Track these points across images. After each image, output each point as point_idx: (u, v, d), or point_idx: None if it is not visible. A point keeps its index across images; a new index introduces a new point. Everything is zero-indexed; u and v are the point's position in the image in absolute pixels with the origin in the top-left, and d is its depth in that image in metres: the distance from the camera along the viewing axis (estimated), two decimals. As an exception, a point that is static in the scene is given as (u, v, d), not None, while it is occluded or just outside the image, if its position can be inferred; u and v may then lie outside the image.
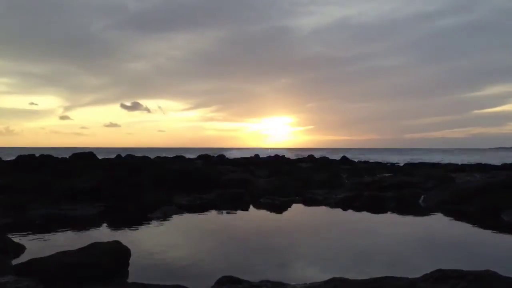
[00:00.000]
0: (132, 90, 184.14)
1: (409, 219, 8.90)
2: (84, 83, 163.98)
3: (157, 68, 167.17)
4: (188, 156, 28.75)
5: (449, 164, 24.84)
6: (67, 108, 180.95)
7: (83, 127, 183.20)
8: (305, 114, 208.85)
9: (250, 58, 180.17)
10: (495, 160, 36.32)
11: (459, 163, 27.33)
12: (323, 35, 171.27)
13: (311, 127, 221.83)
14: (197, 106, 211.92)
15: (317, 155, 33.39)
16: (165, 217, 8.47)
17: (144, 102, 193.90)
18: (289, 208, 10.01)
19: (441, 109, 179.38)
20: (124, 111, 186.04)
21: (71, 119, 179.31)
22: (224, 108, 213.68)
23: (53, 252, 4.48)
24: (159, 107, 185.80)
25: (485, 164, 22.68)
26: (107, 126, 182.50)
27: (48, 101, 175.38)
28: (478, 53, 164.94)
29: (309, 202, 10.86)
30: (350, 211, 9.62)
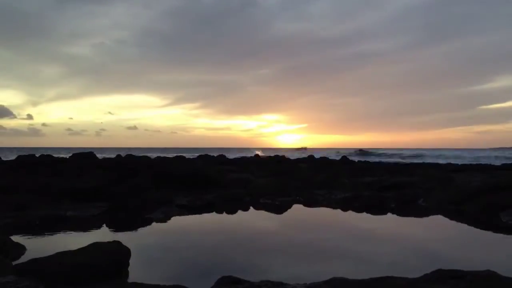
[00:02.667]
0: (94, 82, 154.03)
1: (409, 219, 8.91)
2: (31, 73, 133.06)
3: (107, 53, 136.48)
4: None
5: (449, 164, 24.83)
6: (34, 104, 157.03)
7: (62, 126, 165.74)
8: (295, 111, 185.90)
9: (215, 40, 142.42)
10: (496, 159, 36.33)
11: (459, 163, 27.33)
12: (296, 7, 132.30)
13: (305, 125, 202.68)
14: (176, 102, 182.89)
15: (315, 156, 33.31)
16: (165, 217, 8.47)
17: (114, 97, 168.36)
18: (289, 209, 10.01)
19: (442, 104, 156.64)
20: (99, 108, 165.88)
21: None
22: (208, 105, 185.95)
23: (53, 252, 4.48)
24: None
25: (485, 164, 22.67)
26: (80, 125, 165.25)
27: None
28: (486, 33, 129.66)
29: (309, 202, 10.86)
30: (350, 211, 9.62)
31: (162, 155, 28.33)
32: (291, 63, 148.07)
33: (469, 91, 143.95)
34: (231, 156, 30.84)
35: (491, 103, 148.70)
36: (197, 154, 28.73)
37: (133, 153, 20.31)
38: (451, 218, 8.61)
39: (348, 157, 25.50)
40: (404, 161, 35.29)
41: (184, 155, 24.84)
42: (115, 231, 7.36)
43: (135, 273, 4.64)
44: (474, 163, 26.75)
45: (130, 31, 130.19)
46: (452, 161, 32.07)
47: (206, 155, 27.28)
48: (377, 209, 9.77)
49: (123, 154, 19.64)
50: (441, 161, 31.64)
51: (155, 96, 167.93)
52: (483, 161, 32.62)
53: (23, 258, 5.08)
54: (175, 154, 25.39)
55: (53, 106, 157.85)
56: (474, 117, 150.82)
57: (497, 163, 26.76)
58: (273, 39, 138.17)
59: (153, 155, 26.46)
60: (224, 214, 9.26)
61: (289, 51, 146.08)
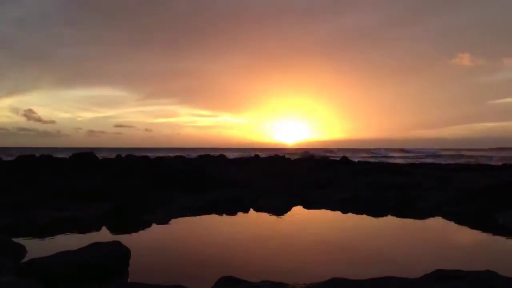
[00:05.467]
0: (46, 73, 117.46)
1: (408, 219, 8.90)
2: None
3: (40, 34, 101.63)
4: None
5: (449, 164, 24.82)
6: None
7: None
8: (281, 107, 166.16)
9: (168, 15, 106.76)
10: (497, 159, 36.31)
11: (460, 163, 27.32)
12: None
13: (293, 124, 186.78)
14: (148, 96, 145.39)
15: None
16: (165, 217, 8.46)
17: (75, 91, 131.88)
18: (288, 209, 10.01)
19: (446, 98, 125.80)
20: (72, 103, 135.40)
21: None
22: (187, 100, 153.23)
23: (53, 253, 4.49)
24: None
25: (486, 164, 22.66)
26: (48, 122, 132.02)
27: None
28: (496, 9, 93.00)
29: (309, 202, 10.85)
30: (349, 212, 9.62)
31: (146, 154, 28.04)
32: (264, 44, 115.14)
33: (477, 82, 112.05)
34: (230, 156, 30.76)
35: (502, 97, 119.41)
36: (184, 153, 28.40)
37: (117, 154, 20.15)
38: (450, 219, 8.60)
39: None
40: (403, 161, 35.28)
41: (170, 154, 24.78)
42: (115, 231, 7.36)
43: (135, 273, 4.65)
44: (475, 163, 26.74)
45: (50, 1, 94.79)
46: (452, 161, 32.08)
47: (207, 155, 27.25)
48: (377, 209, 9.77)
49: (114, 154, 19.57)
50: (441, 161, 31.62)
51: (123, 90, 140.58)
52: (484, 161, 32.57)
53: (23, 259, 5.08)
54: (159, 154, 25.26)
55: (9, 102, 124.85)
56: (482, 113, 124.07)
57: (499, 163, 26.71)
58: (237, 12, 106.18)
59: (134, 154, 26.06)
60: (224, 215, 9.26)
61: (260, 28, 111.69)
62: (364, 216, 9.23)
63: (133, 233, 7.24)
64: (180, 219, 8.51)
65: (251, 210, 9.90)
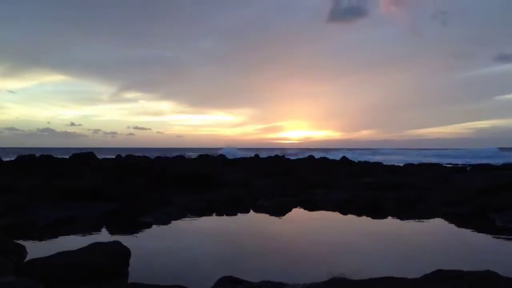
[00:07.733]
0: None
1: (408, 220, 8.90)
2: None
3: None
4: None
5: (449, 164, 24.86)
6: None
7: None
8: (265, 103, 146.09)
9: None
10: (497, 160, 36.34)
11: (460, 163, 27.36)
12: None
13: (282, 123, 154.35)
14: (122, 90, 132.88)
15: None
16: (165, 218, 8.46)
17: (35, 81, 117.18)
18: (288, 209, 10.01)
19: (448, 95, 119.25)
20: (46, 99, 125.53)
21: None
22: (170, 95, 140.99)
23: (53, 253, 4.49)
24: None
25: (486, 164, 22.66)
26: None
27: None
28: None
29: (308, 203, 10.85)
30: (349, 213, 9.61)
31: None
32: (239, 24, 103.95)
33: (483, 74, 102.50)
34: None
35: (509, 92, 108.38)
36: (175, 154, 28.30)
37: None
38: (450, 220, 8.60)
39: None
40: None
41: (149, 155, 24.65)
42: (115, 231, 7.36)
43: (135, 273, 4.65)
44: (475, 163, 26.74)
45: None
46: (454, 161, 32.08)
47: (206, 155, 27.26)
48: (376, 210, 9.77)
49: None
50: (442, 161, 31.62)
51: (92, 82, 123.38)
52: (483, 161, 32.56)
53: (24, 259, 5.08)
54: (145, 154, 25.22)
55: None
56: (488, 109, 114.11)
57: (500, 162, 26.69)
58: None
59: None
60: (224, 215, 9.26)
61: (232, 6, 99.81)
62: (364, 216, 9.23)
63: (133, 234, 7.23)
64: (180, 219, 8.51)
65: (251, 210, 9.90)
